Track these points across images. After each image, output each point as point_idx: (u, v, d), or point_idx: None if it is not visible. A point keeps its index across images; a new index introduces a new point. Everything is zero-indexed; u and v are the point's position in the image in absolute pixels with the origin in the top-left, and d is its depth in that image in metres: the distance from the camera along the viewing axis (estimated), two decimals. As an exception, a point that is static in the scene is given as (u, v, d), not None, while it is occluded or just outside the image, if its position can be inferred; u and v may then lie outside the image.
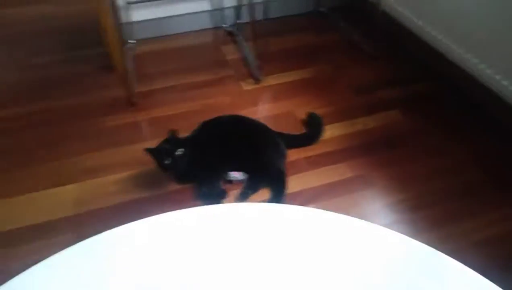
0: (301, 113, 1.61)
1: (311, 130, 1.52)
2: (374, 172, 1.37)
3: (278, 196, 1.28)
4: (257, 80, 1.79)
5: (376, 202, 1.29)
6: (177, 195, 1.32)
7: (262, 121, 1.48)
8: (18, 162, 1.45)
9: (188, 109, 1.65)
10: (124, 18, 1.98)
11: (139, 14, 2.03)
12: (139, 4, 1.99)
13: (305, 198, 1.29)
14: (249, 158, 1.34)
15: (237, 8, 2.16)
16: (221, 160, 1.35)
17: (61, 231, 1.22)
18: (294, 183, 1.33)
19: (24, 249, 1.18)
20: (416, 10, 1.74)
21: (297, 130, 1.53)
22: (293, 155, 1.43)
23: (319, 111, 1.61)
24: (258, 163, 1.33)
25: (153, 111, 1.65)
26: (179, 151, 1.25)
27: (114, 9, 1.50)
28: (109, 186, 1.35)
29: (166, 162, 1.25)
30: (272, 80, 1.79)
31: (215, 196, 1.28)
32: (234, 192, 1.31)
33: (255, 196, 1.30)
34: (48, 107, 1.69)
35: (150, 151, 1.28)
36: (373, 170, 1.38)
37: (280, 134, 1.44)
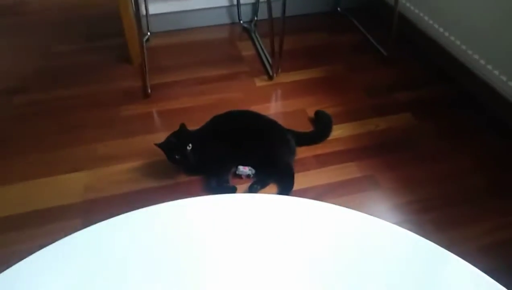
0: (313, 112, 1.61)
1: (320, 128, 1.52)
2: (383, 173, 1.37)
3: (285, 191, 1.29)
4: (270, 77, 1.80)
5: (383, 202, 1.29)
6: (187, 186, 1.34)
7: (273, 117, 1.49)
8: (32, 147, 1.49)
9: (201, 103, 1.67)
10: (142, 10, 2.01)
11: (156, 7, 2.06)
12: (157, -3, 2.02)
13: (312, 196, 1.29)
14: (258, 152, 1.35)
15: (254, 5, 2.17)
16: (230, 154, 1.36)
17: (70, 216, 1.25)
18: (302, 181, 1.34)
19: (32, 233, 1.21)
20: (433, 14, 1.73)
21: (308, 128, 1.54)
22: (302, 152, 1.43)
23: (330, 110, 1.62)
24: (267, 158, 1.34)
25: (167, 103, 1.67)
26: (189, 147, 1.27)
27: (135, 1, 1.52)
28: (120, 175, 1.38)
29: (177, 157, 1.27)
30: (286, 78, 1.80)
31: (224, 190, 1.29)
32: (243, 186, 1.33)
33: (262, 191, 1.31)
34: (64, 94, 1.73)
35: (160, 146, 1.30)
36: (382, 171, 1.38)
37: (290, 131, 1.45)
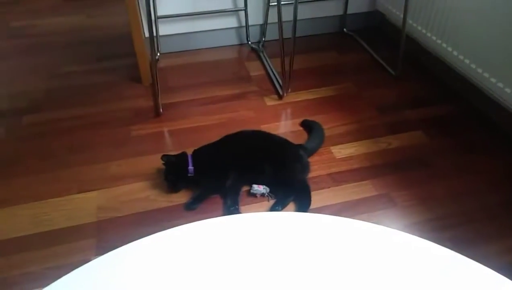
0: (325, 130, 1.61)
1: (316, 134, 1.56)
2: (398, 191, 1.36)
3: (303, 208, 1.28)
4: (280, 96, 1.81)
5: (400, 220, 1.27)
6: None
7: (284, 136, 1.49)
8: (44, 166, 1.48)
9: (212, 122, 1.67)
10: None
11: (166, 28, 2.08)
12: (166, 18, 2.05)
13: (328, 214, 1.27)
14: (272, 172, 1.34)
15: (262, 26, 2.20)
16: (241, 173, 1.35)
17: (83, 236, 1.23)
18: (316, 199, 1.33)
19: (45, 254, 1.19)
20: (440, 33, 1.75)
21: (322, 145, 1.54)
22: (316, 171, 1.43)
23: (342, 129, 1.62)
24: (282, 177, 1.33)
25: (178, 123, 1.67)
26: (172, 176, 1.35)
27: (149, 22, 1.54)
28: (132, 194, 1.36)
29: (170, 177, 1.36)
30: (296, 97, 1.81)
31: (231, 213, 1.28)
32: (257, 205, 1.31)
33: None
34: (75, 114, 1.73)
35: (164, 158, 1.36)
36: (397, 189, 1.37)
37: (301, 146, 1.45)
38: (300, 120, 1.67)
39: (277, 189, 1.33)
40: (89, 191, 1.38)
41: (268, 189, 1.33)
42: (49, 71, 2.04)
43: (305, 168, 1.40)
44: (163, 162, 1.36)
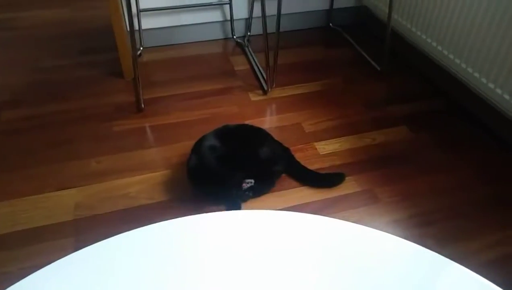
0: (309, 126, 1.60)
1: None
2: (381, 187, 1.35)
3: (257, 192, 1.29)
4: (265, 92, 1.79)
5: (383, 217, 1.26)
6: (183, 203, 1.30)
7: (269, 131, 1.47)
8: (21, 163, 1.44)
9: (195, 117, 1.65)
10: (134, 25, 1.99)
11: (148, 22, 2.04)
12: (149, 12, 2.01)
13: (309, 212, 1.27)
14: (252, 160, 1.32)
15: (247, 20, 2.17)
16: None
17: (62, 235, 1.21)
18: (298, 196, 1.32)
19: (22, 253, 1.16)
20: (426, 28, 1.75)
21: (305, 142, 1.53)
22: (299, 167, 1.41)
23: (327, 124, 1.61)
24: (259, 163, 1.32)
25: (161, 118, 1.64)
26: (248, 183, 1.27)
27: (130, 16, 1.50)
28: (113, 191, 1.34)
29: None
30: (281, 92, 1.79)
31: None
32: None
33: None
34: (55, 109, 1.69)
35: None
36: (381, 185, 1.36)
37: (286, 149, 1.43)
38: (285, 115, 1.66)
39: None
40: (68, 188, 1.35)
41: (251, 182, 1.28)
42: (30, 65, 1.99)
43: (279, 161, 1.37)
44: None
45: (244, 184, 1.25)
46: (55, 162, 1.44)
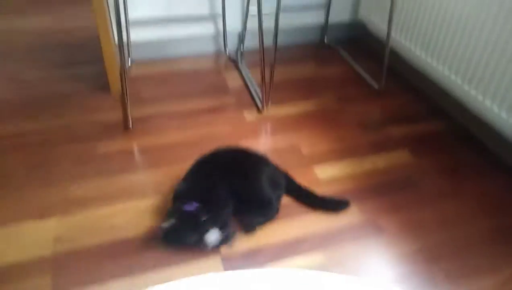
0: (307, 147, 1.52)
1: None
2: (385, 217, 1.28)
3: (259, 219, 1.21)
4: (260, 110, 1.71)
5: (389, 250, 1.18)
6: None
7: (265, 153, 1.38)
8: (-4, 188, 1.32)
9: (187, 137, 1.55)
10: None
11: (138, 34, 1.95)
12: (138, 24, 1.91)
13: (311, 244, 1.18)
14: (241, 187, 1.22)
15: (241, 34, 2.09)
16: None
17: (37, 273, 1.08)
18: (299, 226, 1.23)
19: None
20: (426, 47, 1.69)
21: (303, 165, 1.44)
22: (298, 194, 1.32)
23: (325, 146, 1.53)
24: (249, 189, 1.22)
25: (150, 138, 1.54)
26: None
27: (119, 26, 1.40)
28: (96, 221, 1.22)
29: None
30: (276, 111, 1.71)
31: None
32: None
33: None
34: (34, 128, 1.57)
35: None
36: (385, 214, 1.28)
37: (285, 175, 1.34)
38: (281, 136, 1.57)
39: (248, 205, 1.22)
40: (46, 217, 1.23)
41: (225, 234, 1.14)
42: (7, 78, 1.87)
43: (277, 187, 1.28)
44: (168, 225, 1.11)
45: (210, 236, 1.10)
46: (32, 188, 1.32)
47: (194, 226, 1.09)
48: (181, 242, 1.12)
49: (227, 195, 1.20)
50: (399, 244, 1.20)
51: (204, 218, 1.10)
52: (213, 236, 1.09)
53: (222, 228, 1.11)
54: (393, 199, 1.34)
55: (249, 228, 1.19)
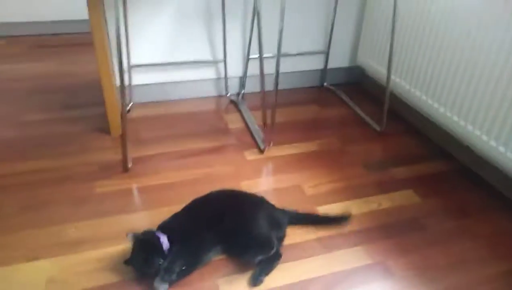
0: (309, 188, 1.48)
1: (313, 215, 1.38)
2: (394, 259, 1.22)
3: (264, 270, 1.15)
4: (261, 151, 1.69)
5: (400, 295, 1.12)
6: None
7: (267, 194, 1.35)
8: (-12, 229, 1.27)
9: (186, 177, 1.52)
10: (125, 81, 1.91)
11: (139, 77, 1.97)
12: (140, 68, 1.94)
13: (320, 288, 1.11)
14: (242, 231, 1.18)
15: (242, 78, 2.12)
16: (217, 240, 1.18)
17: (28, 316, 1.02)
18: (306, 268, 1.17)
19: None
20: (426, 89, 1.71)
21: (305, 205, 1.40)
22: (303, 235, 1.27)
23: (328, 187, 1.50)
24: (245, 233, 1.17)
25: (148, 179, 1.51)
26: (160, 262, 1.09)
27: (121, 71, 1.41)
28: (91, 264, 1.16)
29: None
30: (277, 151, 1.69)
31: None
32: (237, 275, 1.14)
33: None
34: (32, 168, 1.54)
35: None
36: (393, 256, 1.23)
37: (283, 211, 1.30)
38: (283, 176, 1.55)
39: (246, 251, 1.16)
40: (40, 259, 1.17)
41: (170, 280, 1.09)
42: (7, 119, 1.87)
43: (276, 226, 1.23)
44: (131, 241, 1.12)
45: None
46: (26, 228, 1.27)
47: (148, 256, 1.08)
48: (131, 264, 1.11)
49: (213, 240, 1.17)
50: (410, 288, 1.14)
51: (160, 262, 1.08)
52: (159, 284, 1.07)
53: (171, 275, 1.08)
54: (401, 241, 1.29)
55: (256, 281, 1.12)
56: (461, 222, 1.37)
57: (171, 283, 1.09)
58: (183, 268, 1.10)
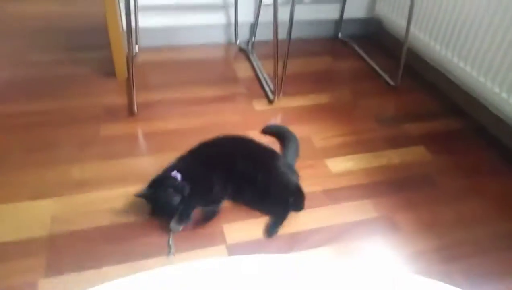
0: (319, 140, 1.45)
1: (289, 142, 1.38)
2: (402, 214, 1.20)
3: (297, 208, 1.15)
4: (271, 101, 1.64)
5: (405, 248, 1.11)
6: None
7: (275, 145, 1.32)
8: (-7, 167, 1.26)
9: (193, 125, 1.49)
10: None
11: (146, 20, 1.89)
12: (147, 10, 1.86)
13: (324, 237, 1.11)
14: (264, 182, 1.16)
15: (253, 25, 2.03)
16: (223, 184, 1.16)
17: (32, 253, 1.02)
18: (311, 218, 1.16)
19: (-16, 272, 0.97)
20: (445, 43, 1.62)
21: (315, 157, 1.37)
22: (310, 186, 1.25)
23: (338, 140, 1.46)
24: (277, 186, 1.16)
25: (154, 124, 1.47)
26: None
27: (128, 12, 1.34)
28: (95, 204, 1.16)
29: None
30: (287, 102, 1.64)
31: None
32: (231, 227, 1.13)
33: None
34: (37, 108, 1.51)
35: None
36: (401, 211, 1.21)
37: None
38: (292, 127, 1.50)
39: (264, 203, 1.15)
40: (44, 197, 1.17)
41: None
42: (13, 59, 1.82)
43: (295, 173, 1.24)
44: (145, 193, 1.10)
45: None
46: (31, 167, 1.26)
47: (168, 192, 1.06)
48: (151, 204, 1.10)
49: (225, 182, 1.15)
50: (415, 242, 1.13)
51: (178, 200, 1.06)
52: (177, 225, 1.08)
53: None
54: (409, 196, 1.27)
55: (272, 232, 1.11)
56: (472, 181, 1.34)
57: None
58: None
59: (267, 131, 1.45)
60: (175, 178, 1.09)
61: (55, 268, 0.98)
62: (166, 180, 1.09)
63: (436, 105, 1.70)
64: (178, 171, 1.11)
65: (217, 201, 1.15)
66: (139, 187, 1.21)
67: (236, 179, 1.16)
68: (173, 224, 1.07)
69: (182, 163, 1.17)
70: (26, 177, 1.23)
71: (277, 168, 1.20)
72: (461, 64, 1.56)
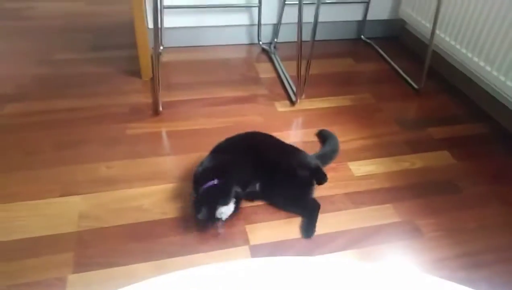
0: (341, 143, 1.45)
1: (330, 146, 1.41)
2: (425, 219, 1.20)
3: (307, 232, 1.13)
4: (293, 102, 1.65)
5: (427, 254, 1.11)
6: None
7: (296, 146, 1.33)
8: (25, 162, 1.30)
9: (215, 125, 1.51)
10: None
11: (171, 20, 1.92)
12: (172, 10, 1.88)
13: (345, 242, 1.11)
14: (283, 182, 1.18)
15: (275, 26, 2.04)
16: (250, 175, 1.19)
17: (60, 249, 1.05)
18: (332, 222, 1.17)
19: (14, 267, 1.01)
20: (471, 46, 1.60)
21: (337, 160, 1.38)
22: (332, 189, 1.26)
23: (360, 143, 1.46)
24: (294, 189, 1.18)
25: (179, 123, 1.50)
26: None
27: (155, 11, 1.37)
28: (122, 202, 1.19)
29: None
30: (310, 104, 1.65)
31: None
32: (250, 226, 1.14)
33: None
34: (64, 106, 1.56)
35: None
36: (423, 216, 1.21)
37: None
38: (314, 129, 1.51)
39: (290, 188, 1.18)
40: (72, 195, 1.20)
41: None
42: (40, 57, 1.87)
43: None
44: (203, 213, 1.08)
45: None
46: (60, 165, 1.30)
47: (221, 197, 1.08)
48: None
49: (253, 174, 1.18)
50: (438, 248, 1.12)
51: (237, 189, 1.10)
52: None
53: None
54: (432, 201, 1.26)
55: (310, 233, 1.12)
56: (496, 188, 1.33)
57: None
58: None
59: (319, 135, 1.49)
60: (218, 189, 1.09)
61: (83, 264, 1.02)
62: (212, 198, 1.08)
63: (461, 109, 1.68)
64: (213, 170, 1.13)
65: (252, 183, 1.18)
66: (165, 186, 1.24)
67: (263, 164, 1.18)
68: (201, 217, 1.07)
69: (215, 155, 1.20)
70: (55, 174, 1.27)
71: (297, 153, 1.24)
72: (488, 68, 1.54)
